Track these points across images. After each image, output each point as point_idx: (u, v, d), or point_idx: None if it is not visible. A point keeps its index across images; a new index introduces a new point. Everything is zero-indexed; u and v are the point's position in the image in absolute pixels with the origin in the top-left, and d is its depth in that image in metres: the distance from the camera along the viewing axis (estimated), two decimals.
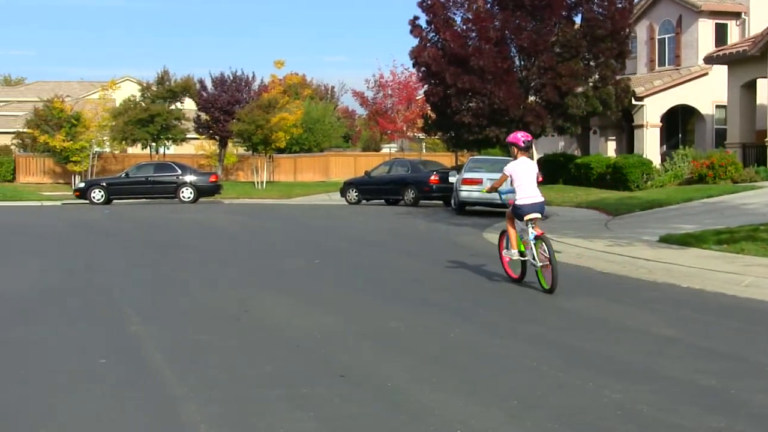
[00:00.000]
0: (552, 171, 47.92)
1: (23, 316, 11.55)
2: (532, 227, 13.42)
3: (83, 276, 15.34)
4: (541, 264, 13.24)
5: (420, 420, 6.88)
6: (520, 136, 13.89)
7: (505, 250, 14.36)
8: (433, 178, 38.50)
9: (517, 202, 13.59)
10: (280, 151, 63.85)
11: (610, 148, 49.64)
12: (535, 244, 13.30)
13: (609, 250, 18.35)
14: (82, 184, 45.86)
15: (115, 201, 43.87)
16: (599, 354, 9.19)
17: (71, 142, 58.41)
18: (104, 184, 44.88)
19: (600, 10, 39.59)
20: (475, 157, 37.11)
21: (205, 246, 20.81)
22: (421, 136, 64.58)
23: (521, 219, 13.64)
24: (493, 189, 15.08)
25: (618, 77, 40.86)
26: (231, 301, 12.55)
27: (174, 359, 8.86)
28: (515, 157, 13.84)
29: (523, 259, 13.81)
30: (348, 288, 13.99)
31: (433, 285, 14.42)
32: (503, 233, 14.47)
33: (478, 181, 31.30)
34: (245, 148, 61.29)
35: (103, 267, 16.63)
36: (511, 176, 13.69)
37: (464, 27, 41.00)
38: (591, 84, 40.07)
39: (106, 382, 8.08)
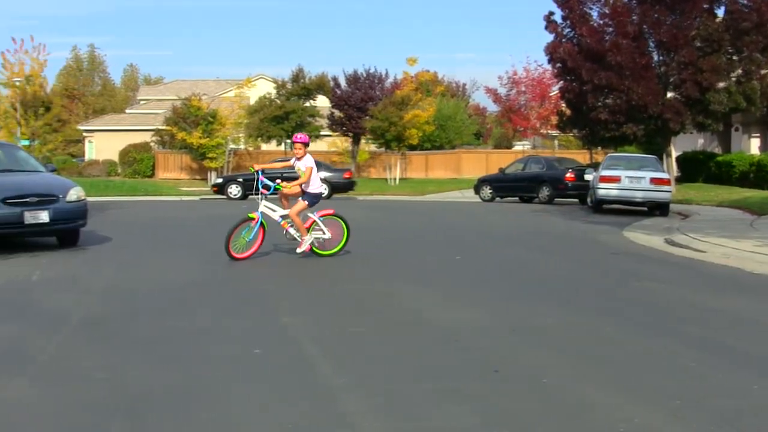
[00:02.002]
0: (691, 169, 47.14)
1: (180, 306, 11.79)
2: None
3: (230, 269, 15.48)
4: None
5: (580, 417, 6.79)
6: None
7: None
8: (568, 175, 38.13)
9: None
10: (412, 148, 63.92)
11: (754, 146, 48.47)
12: None
13: (758, 250, 17.87)
14: (220, 180, 46.47)
15: (250, 196, 44.30)
16: (761, 356, 8.93)
17: (208, 139, 59.31)
18: (241, 180, 45.38)
19: (745, 1, 38.34)
20: (613, 154, 36.55)
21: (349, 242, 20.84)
22: (555, 133, 64.00)
23: None
24: None
25: (763, 72, 39.62)
26: (377, 294, 12.55)
27: (327, 350, 8.89)
28: None
29: None
30: (492, 284, 13.88)
31: (578, 283, 14.23)
32: None
33: (616, 179, 30.93)
34: (378, 145, 61.47)
35: (248, 260, 16.73)
36: None
37: (601, 22, 40.49)
38: (734, 79, 39.05)
39: (264, 371, 8.19)
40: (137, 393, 7.41)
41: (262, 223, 16.53)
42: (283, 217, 16.66)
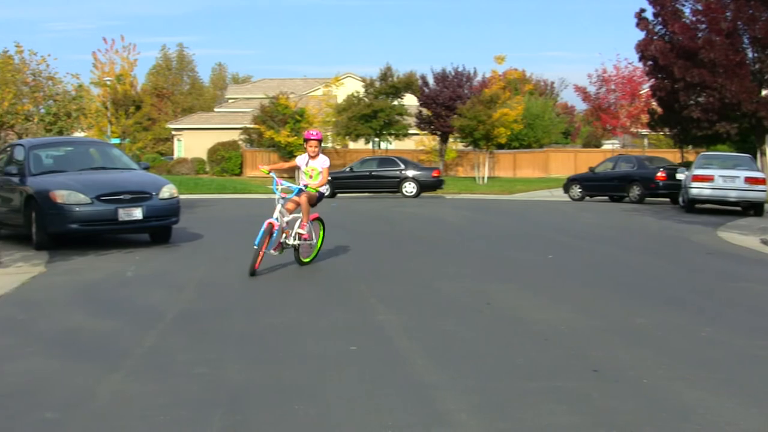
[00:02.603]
0: None
1: (273, 302, 11.85)
2: None
3: (321, 265, 15.50)
4: None
5: (684, 418, 6.69)
6: None
7: None
8: (659, 174, 37.67)
9: None
10: (500, 146, 63.69)
11: None
12: None
13: None
14: None
15: (338, 194, 44.47)
16: None
17: (295, 137, 59.63)
18: (330, 178, 45.49)
19: None
20: (706, 153, 36.03)
21: (435, 239, 20.80)
22: (644, 131, 63.30)
23: None
24: None
25: None
26: (470, 292, 12.48)
27: (423, 348, 8.85)
28: None
29: None
30: (585, 283, 13.73)
31: (673, 282, 14.02)
32: None
33: (710, 178, 30.53)
34: (465, 143, 61.32)
35: (340, 257, 16.76)
36: None
37: (693, 18, 39.84)
38: None
39: (360, 367, 8.18)
40: (235, 388, 7.46)
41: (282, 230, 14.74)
42: (289, 224, 14.64)
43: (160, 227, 18.78)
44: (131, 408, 6.91)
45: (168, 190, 18.63)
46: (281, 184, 14.47)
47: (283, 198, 14.47)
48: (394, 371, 7.99)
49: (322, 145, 47.30)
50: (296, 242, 14.76)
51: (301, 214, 14.67)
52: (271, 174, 14.66)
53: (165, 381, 7.65)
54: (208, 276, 14.42)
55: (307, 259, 15.29)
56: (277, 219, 14.35)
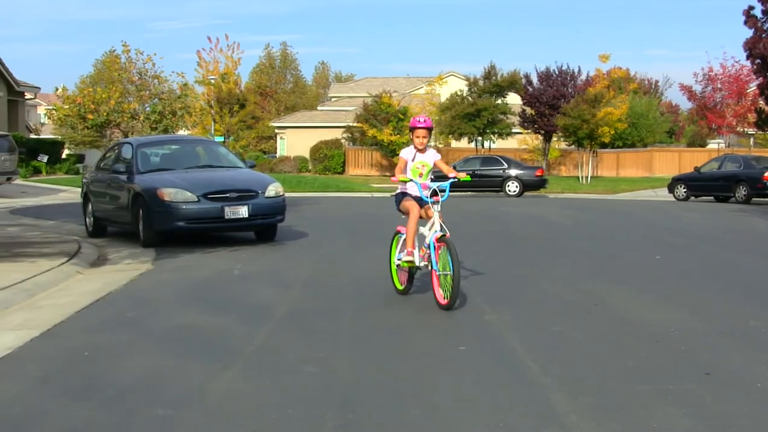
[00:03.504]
0: None
1: (380, 301, 11.85)
2: None
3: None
4: None
5: None
6: None
7: None
8: (767, 175, 37.03)
9: None
10: (603, 146, 63.18)
11: None
12: None
13: None
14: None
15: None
16: None
17: (398, 135, 59.81)
18: (432, 177, 45.53)
19: None
20: None
21: (542, 238, 20.69)
22: (751, 131, 62.33)
23: None
24: None
25: None
26: (578, 292, 12.40)
27: (533, 349, 8.79)
28: None
29: None
30: (694, 284, 13.54)
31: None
32: None
33: None
34: (569, 142, 60.97)
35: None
36: None
37: None
38: None
39: (472, 367, 8.15)
40: (347, 386, 7.49)
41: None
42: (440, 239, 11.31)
43: (265, 225, 18.96)
44: (243, 406, 6.97)
45: (274, 189, 18.78)
46: (429, 186, 11.54)
47: (437, 202, 11.43)
48: (504, 371, 7.96)
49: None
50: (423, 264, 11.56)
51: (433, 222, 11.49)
52: (414, 181, 11.57)
53: (276, 379, 7.71)
54: (315, 274, 14.50)
55: (447, 297, 11.00)
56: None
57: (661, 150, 71.64)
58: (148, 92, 44.39)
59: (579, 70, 62.88)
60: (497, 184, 44.37)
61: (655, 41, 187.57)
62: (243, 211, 17.99)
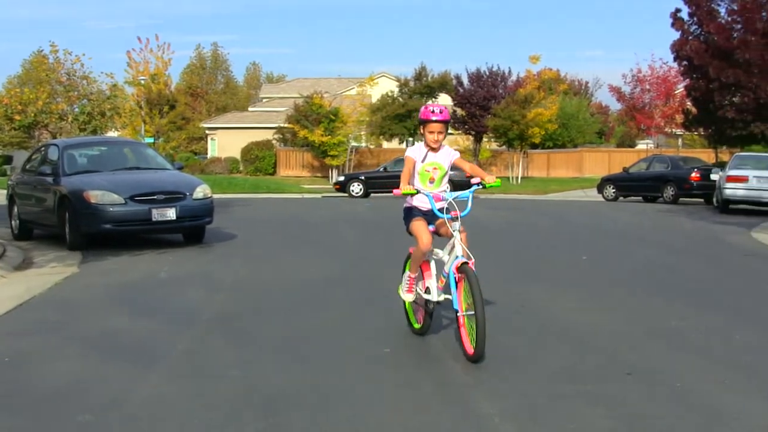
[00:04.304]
0: None
1: (308, 304, 11.84)
2: None
3: (358, 266, 15.61)
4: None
5: (721, 424, 6.63)
6: None
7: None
8: (694, 175, 37.55)
9: None
10: (534, 146, 63.62)
11: None
12: None
13: None
14: (342, 178, 46.96)
15: (372, 194, 44.56)
16: None
17: (329, 136, 59.77)
18: (363, 177, 45.74)
19: None
20: (741, 153, 35.81)
21: (471, 240, 20.74)
22: (679, 132, 63.06)
23: None
24: None
25: None
26: (507, 294, 12.45)
27: (457, 350, 8.80)
28: None
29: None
30: (621, 285, 13.66)
31: (710, 284, 13.95)
32: None
33: (744, 179, 30.36)
34: (499, 143, 61.34)
35: (375, 258, 16.83)
36: None
37: (729, 18, 39.63)
38: None
39: (395, 369, 8.20)
40: (270, 391, 7.46)
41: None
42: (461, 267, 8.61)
43: (193, 227, 18.87)
44: (164, 411, 6.93)
45: (202, 191, 18.70)
46: (444, 198, 8.91)
47: (456, 218, 8.82)
48: (428, 373, 8.01)
49: (355, 145, 46.49)
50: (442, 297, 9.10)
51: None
52: (424, 192, 8.99)
53: (199, 384, 7.67)
54: (242, 276, 14.45)
55: (473, 344, 8.36)
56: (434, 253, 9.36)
57: (591, 150, 72.23)
58: (76, 93, 43.92)
59: (509, 71, 63.36)
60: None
61: (586, 42, 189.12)
62: (171, 213, 17.88)
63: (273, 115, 73.13)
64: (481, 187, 9.26)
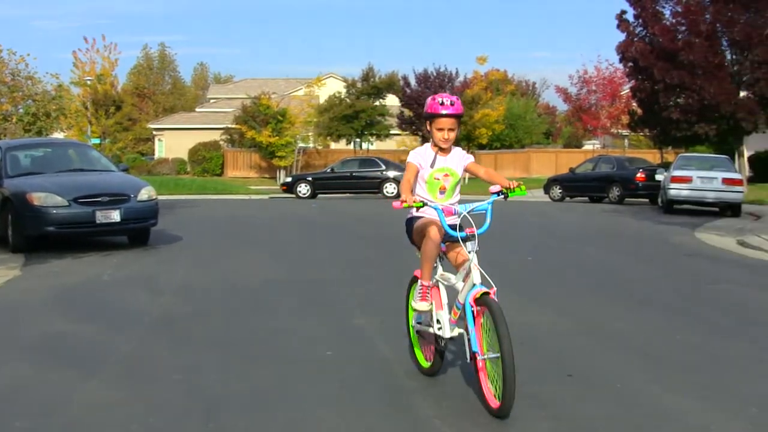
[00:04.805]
0: (764, 169, 46.65)
1: (253, 306, 11.81)
2: None
3: (303, 269, 15.59)
4: None
5: (655, 423, 6.71)
6: None
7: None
8: (639, 175, 37.80)
9: None
10: (481, 147, 63.85)
11: None
12: None
13: None
14: (289, 179, 46.86)
15: (319, 195, 44.53)
16: None
17: (277, 137, 59.68)
18: (310, 178, 45.66)
19: None
20: (685, 154, 36.16)
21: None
22: (625, 132, 63.53)
23: None
24: None
25: None
26: (448, 295, 12.45)
27: (400, 352, 8.83)
28: None
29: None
30: (564, 284, 13.76)
31: (653, 284, 14.06)
32: None
33: (688, 179, 30.62)
34: None
35: (320, 260, 16.83)
36: None
37: (673, 21, 40.07)
38: None
39: (338, 372, 8.17)
40: (213, 394, 7.45)
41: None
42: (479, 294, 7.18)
43: (138, 229, 18.76)
44: (105, 416, 6.88)
45: (146, 192, 18.59)
46: (457, 211, 7.53)
47: (473, 237, 7.44)
48: (370, 376, 8.01)
49: (303, 146, 46.17)
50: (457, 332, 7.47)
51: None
52: (432, 206, 7.43)
53: (140, 388, 7.63)
54: (187, 279, 14.37)
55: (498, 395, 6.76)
56: (438, 279, 7.81)
57: (539, 151, 72.62)
58: (21, 93, 43.51)
59: (457, 72, 63.50)
60: (375, 186, 44.60)
61: (534, 43, 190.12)
62: (115, 216, 17.76)
63: (221, 116, 72.85)
64: (502, 197, 7.69)
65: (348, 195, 45.20)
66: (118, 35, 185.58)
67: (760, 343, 9.61)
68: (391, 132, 63.69)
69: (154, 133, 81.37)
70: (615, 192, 38.38)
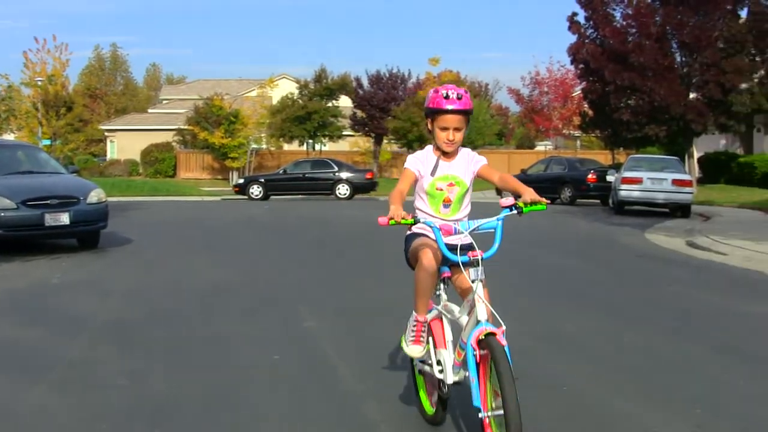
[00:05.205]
0: (713, 170, 47.02)
1: (202, 310, 11.74)
2: None
3: (253, 272, 15.55)
4: None
5: (600, 426, 6.73)
6: None
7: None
8: (590, 176, 38.05)
9: None
10: None
11: None
12: None
13: None
14: (242, 180, 46.78)
15: (272, 197, 44.47)
16: None
17: (230, 138, 59.57)
18: (262, 180, 45.58)
19: None
20: (635, 155, 36.46)
21: (369, 243, 20.78)
22: (577, 133, 63.93)
23: None
24: None
25: None
26: (398, 298, 12.45)
27: (348, 356, 8.86)
28: None
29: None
30: (513, 287, 13.73)
31: (603, 286, 14.16)
32: None
33: (638, 180, 30.84)
34: (400, 145, 61.60)
35: (271, 262, 16.81)
36: None
37: (624, 23, 40.45)
38: (756, 80, 38.97)
39: (285, 377, 8.13)
40: (158, 400, 7.39)
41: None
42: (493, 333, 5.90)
43: (88, 232, 18.64)
44: (49, 423, 6.81)
45: (96, 195, 18.49)
46: (458, 230, 6.21)
47: (477, 263, 6.13)
48: (318, 380, 7.96)
49: (256, 147, 45.93)
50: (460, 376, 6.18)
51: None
52: (425, 222, 6.16)
53: (86, 394, 7.57)
54: (136, 282, 14.26)
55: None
56: (440, 311, 6.48)
57: (491, 152, 72.76)
58: None
59: (409, 73, 63.77)
60: (328, 187, 44.60)
61: (487, 45, 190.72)
62: (64, 218, 17.65)
63: (173, 117, 72.57)
64: (516, 212, 6.09)
65: (301, 196, 45.21)
66: (70, 35, 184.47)
67: (706, 344, 9.68)
68: (344, 133, 63.80)
69: (106, 134, 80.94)
70: (566, 193, 38.60)
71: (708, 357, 9.05)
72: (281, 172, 46.95)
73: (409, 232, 6.53)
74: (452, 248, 6.04)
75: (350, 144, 66.28)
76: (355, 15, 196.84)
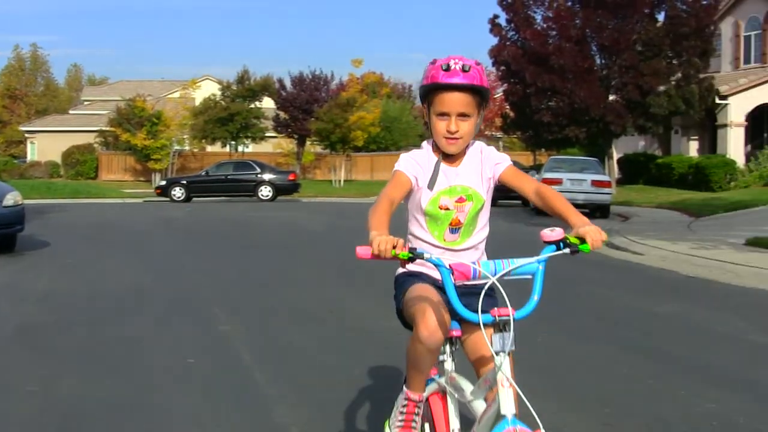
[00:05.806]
0: (632, 171, 47.58)
1: (118, 314, 11.62)
2: None
3: (171, 275, 15.49)
4: None
5: None
6: None
7: None
8: None
9: None
10: (357, 149, 64.09)
11: (693, 148, 48.86)
12: None
13: (694, 253, 18.07)
14: (164, 182, 46.59)
15: (194, 199, 44.28)
16: (691, 361, 9.01)
17: (152, 140, 59.22)
18: (185, 182, 45.39)
19: (684, 7, 39.11)
20: (556, 156, 36.87)
21: (290, 245, 20.78)
22: (499, 135, 64.34)
23: None
24: None
25: (702, 76, 40.29)
26: (317, 301, 12.50)
27: (263, 360, 8.83)
28: None
29: None
30: None
31: (516, 286, 14.19)
32: None
33: (558, 181, 31.10)
34: (323, 146, 61.67)
35: (189, 265, 16.74)
36: None
37: (544, 25, 40.88)
38: (674, 83, 39.61)
39: (198, 381, 8.09)
40: (69, 406, 7.30)
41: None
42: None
43: (3, 236, 18.40)
44: None
45: (12, 198, 18.29)
46: (476, 275, 4.11)
47: (498, 321, 4.03)
48: (231, 384, 7.93)
49: (178, 149, 45.66)
50: None
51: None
52: (428, 258, 3.90)
53: None
54: (52, 286, 14.12)
55: None
56: (444, 385, 4.61)
57: None
58: None
59: (332, 74, 63.94)
60: (250, 189, 44.54)
61: (410, 45, 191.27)
62: None
63: (95, 118, 71.93)
64: (568, 251, 4.04)
65: (223, 198, 45.07)
66: None
67: (618, 344, 9.79)
68: (267, 135, 63.74)
69: (27, 135, 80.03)
70: None
71: (618, 356, 9.16)
72: (204, 173, 46.85)
73: (401, 271, 4.54)
74: (468, 294, 4.08)
75: (273, 145, 66.22)
76: (278, 15, 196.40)
